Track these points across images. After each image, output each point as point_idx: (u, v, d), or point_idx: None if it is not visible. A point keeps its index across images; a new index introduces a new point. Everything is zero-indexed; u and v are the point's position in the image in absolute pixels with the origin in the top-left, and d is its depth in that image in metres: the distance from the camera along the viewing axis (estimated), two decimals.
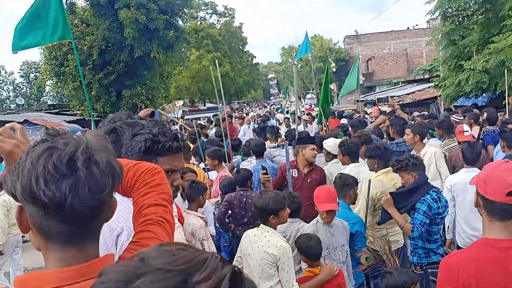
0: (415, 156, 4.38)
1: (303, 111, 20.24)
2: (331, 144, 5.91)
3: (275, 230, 3.43)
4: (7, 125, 1.44)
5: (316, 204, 3.81)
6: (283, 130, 12.80)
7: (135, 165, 1.40)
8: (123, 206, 1.66)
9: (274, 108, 38.46)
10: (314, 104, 17.10)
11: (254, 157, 6.54)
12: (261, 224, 3.45)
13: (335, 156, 5.76)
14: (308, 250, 3.48)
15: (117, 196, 1.55)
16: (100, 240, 1.17)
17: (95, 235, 1.13)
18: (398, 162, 4.13)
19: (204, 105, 38.49)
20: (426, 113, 12.81)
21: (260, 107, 43.61)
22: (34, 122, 17.01)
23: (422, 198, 3.85)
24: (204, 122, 18.42)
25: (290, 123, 14.48)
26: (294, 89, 6.92)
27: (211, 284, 0.62)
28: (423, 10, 52.56)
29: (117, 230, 1.63)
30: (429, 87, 18.60)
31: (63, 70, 19.77)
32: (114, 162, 1.07)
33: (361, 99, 25.78)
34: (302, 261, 3.65)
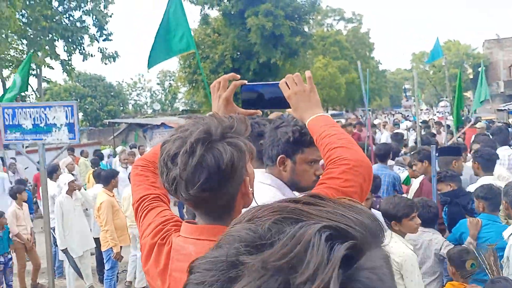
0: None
1: (432, 119, 19.00)
2: None
3: (403, 237, 3.24)
4: (306, 73, 1.59)
5: None
6: (411, 138, 12.21)
7: (337, 146, 1.40)
8: (271, 191, 1.85)
9: (401, 115, 36.86)
10: (448, 113, 15.93)
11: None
12: (388, 230, 3.25)
13: None
14: (460, 264, 3.19)
15: (263, 182, 1.87)
16: None
17: (216, 214, 1.21)
18: (437, 174, 4.24)
19: (327, 112, 38.25)
20: None
21: (386, 115, 42.16)
22: (169, 125, 18.43)
23: None
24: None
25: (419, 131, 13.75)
26: (415, 95, 6.41)
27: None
28: None
29: None
30: None
31: (196, 78, 21.07)
32: (223, 158, 1.10)
33: (503, 108, 23.53)
34: (450, 273, 3.33)
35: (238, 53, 20.54)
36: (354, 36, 43.12)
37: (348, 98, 39.82)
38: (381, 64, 53.62)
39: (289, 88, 1.52)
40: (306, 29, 21.63)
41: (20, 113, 6.11)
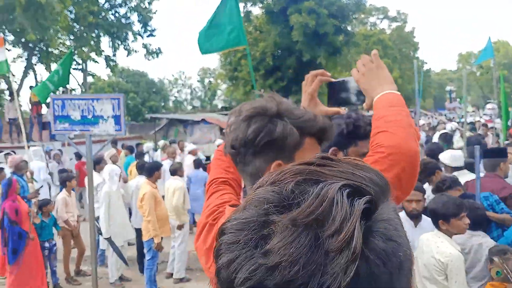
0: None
1: (479, 121, 18.45)
2: (447, 156, 5.47)
3: (450, 237, 3.17)
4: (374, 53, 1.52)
5: None
6: (455, 138, 11.92)
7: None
8: None
9: (445, 117, 35.90)
10: (495, 115, 15.38)
11: None
12: (435, 229, 3.21)
13: (454, 169, 5.29)
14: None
15: None
16: None
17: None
18: (443, 183, 4.25)
19: (368, 112, 37.67)
20: None
21: (429, 116, 41.12)
22: (209, 121, 18.62)
23: None
24: None
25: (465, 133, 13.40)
26: (463, 97, 6.24)
27: (343, 239, 0.48)
28: None
29: None
30: None
31: (236, 75, 21.17)
32: (250, 128, 1.18)
33: None
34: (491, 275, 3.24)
35: (279, 51, 20.49)
36: (398, 35, 42.22)
37: None
38: (426, 63, 52.28)
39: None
40: (349, 28, 21.31)
41: (69, 105, 6.30)
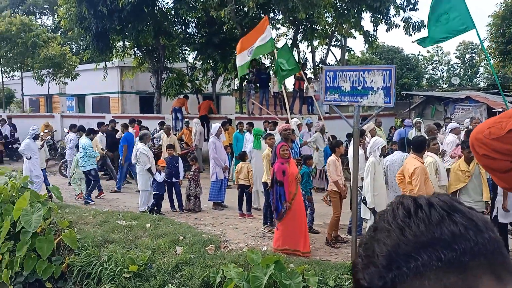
0: None
1: None
2: None
3: None
4: None
5: None
6: None
7: None
8: None
9: None
10: None
11: None
12: None
13: None
14: None
15: None
16: None
17: None
18: None
19: None
20: None
21: None
22: (475, 99, 17.00)
23: None
24: None
25: None
26: None
27: None
28: None
29: None
30: None
31: (510, 48, 18.67)
32: None
33: None
34: None
35: None
36: None
37: None
38: None
39: None
40: None
41: (340, 76, 6.47)
